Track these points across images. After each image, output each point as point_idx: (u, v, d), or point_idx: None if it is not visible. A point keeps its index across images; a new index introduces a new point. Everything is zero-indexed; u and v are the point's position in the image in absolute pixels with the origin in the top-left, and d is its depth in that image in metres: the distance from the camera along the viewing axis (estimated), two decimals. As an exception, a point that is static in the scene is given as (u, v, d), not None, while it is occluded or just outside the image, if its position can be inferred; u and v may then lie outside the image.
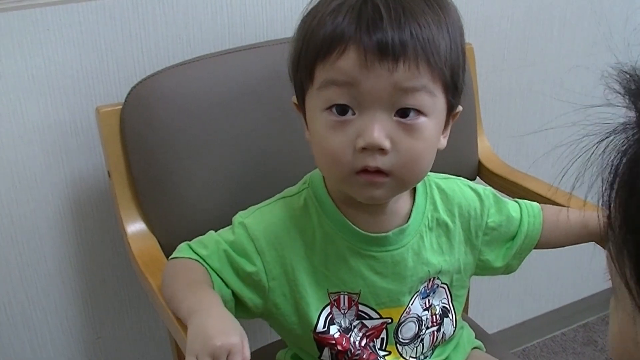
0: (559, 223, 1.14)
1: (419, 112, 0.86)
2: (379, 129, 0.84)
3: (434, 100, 0.87)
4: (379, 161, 0.86)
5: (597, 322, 2.25)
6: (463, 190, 1.07)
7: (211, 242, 0.98)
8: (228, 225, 1.01)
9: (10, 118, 1.18)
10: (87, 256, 1.33)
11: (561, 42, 1.74)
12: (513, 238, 1.11)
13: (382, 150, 0.85)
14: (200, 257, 0.97)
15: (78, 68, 1.20)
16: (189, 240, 1.02)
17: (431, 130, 0.88)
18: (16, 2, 1.12)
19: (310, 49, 0.87)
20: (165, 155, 1.14)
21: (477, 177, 1.44)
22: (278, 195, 1.02)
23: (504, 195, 1.17)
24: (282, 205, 1.00)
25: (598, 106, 0.59)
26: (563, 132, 1.89)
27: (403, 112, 0.86)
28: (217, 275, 0.97)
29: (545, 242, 1.13)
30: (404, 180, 0.91)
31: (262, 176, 1.20)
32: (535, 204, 1.15)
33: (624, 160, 0.54)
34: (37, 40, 1.15)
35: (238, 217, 0.99)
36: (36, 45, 1.16)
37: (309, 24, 0.89)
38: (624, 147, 0.54)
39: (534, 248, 1.13)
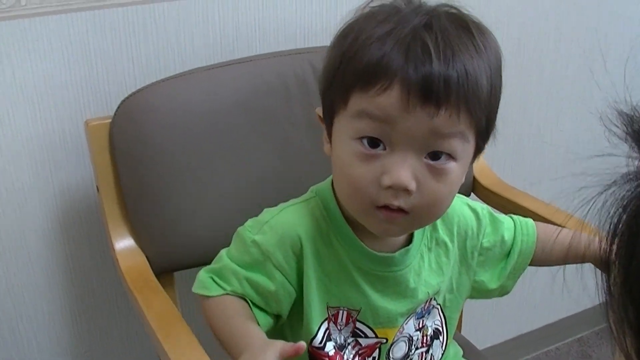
0: (554, 242, 1.12)
1: (450, 156, 0.85)
2: (408, 170, 0.83)
3: (466, 146, 0.86)
4: (402, 201, 0.85)
5: (592, 337, 2.24)
6: (462, 208, 1.06)
7: (230, 275, 0.96)
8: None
9: (-3, 129, 1.17)
10: (75, 268, 1.32)
11: (556, 51, 1.73)
12: (507, 257, 1.10)
13: (407, 191, 0.84)
14: (231, 291, 0.96)
15: (67, 79, 1.19)
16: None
17: (457, 174, 0.87)
18: (4, 11, 1.10)
19: (350, 73, 0.84)
20: (154, 170, 1.13)
21: (472, 194, 1.43)
22: (283, 205, 1.00)
23: (499, 212, 1.15)
24: (291, 212, 0.97)
25: (600, 155, 0.54)
26: (558, 148, 1.88)
27: (434, 154, 0.84)
28: (253, 304, 0.96)
29: (538, 261, 1.12)
30: (421, 220, 0.91)
31: (253, 191, 1.19)
32: (529, 221, 1.14)
33: (623, 218, 0.48)
34: (25, 50, 1.14)
35: (248, 234, 0.96)
36: (24, 55, 1.14)
37: (350, 43, 0.85)
38: (624, 202, 0.49)
39: (528, 265, 1.12)
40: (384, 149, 0.84)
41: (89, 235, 1.30)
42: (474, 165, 1.42)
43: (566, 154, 1.88)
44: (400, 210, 0.86)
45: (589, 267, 1.13)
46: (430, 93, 0.80)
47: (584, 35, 1.75)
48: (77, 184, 1.25)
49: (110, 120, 1.13)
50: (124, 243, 1.16)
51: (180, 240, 1.16)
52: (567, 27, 1.71)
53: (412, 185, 0.83)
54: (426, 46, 0.80)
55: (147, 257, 1.16)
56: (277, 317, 0.98)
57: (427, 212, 0.89)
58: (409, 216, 0.87)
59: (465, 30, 0.84)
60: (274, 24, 1.31)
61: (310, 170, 1.19)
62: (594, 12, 1.74)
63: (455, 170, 0.86)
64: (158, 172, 1.13)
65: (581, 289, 2.06)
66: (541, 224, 1.14)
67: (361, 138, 0.84)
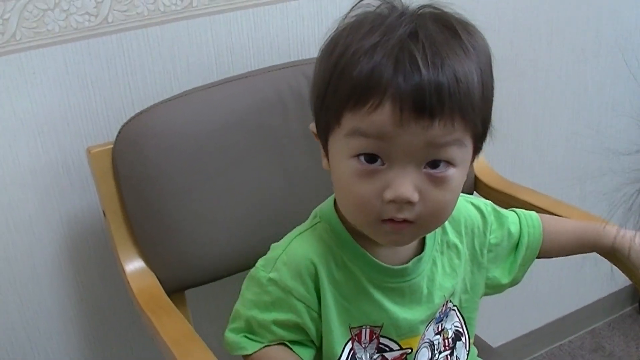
0: (559, 233, 1.13)
1: (449, 163, 0.84)
2: (409, 183, 0.83)
3: (464, 151, 0.86)
4: (406, 213, 0.84)
5: (604, 328, 2.24)
6: (467, 207, 1.07)
7: (259, 328, 0.95)
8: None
9: (0, 162, 1.17)
10: (87, 295, 1.33)
11: (549, 50, 1.74)
12: (515, 250, 1.11)
13: (410, 203, 0.83)
14: (269, 341, 0.96)
15: (66, 108, 1.19)
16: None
17: (458, 180, 0.87)
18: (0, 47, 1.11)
19: (340, 91, 0.83)
20: (159, 191, 1.14)
21: (475, 192, 1.43)
22: (289, 236, 0.99)
23: (502, 207, 1.16)
24: (301, 242, 0.97)
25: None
26: (557, 144, 1.89)
27: (433, 163, 0.84)
28: (292, 343, 0.96)
29: (545, 252, 1.13)
30: (428, 227, 0.91)
31: (258, 208, 1.20)
32: (533, 213, 1.14)
33: None
34: (23, 83, 1.15)
35: (262, 274, 0.95)
36: (23, 88, 1.15)
37: (338, 59, 0.84)
38: None
39: (536, 258, 1.13)
40: (382, 164, 0.83)
41: (99, 260, 1.31)
42: (475, 164, 1.43)
43: (564, 150, 1.89)
44: (405, 221, 0.85)
45: (594, 258, 1.15)
46: (423, 106, 0.79)
47: (576, 34, 1.76)
48: (83, 211, 1.26)
49: (111, 146, 1.14)
50: (134, 265, 1.17)
51: (189, 259, 1.16)
52: (559, 26, 1.72)
53: (415, 197, 0.83)
54: (414, 58, 0.79)
55: (157, 277, 1.17)
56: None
57: (433, 220, 0.88)
58: (415, 225, 0.86)
59: (452, 33, 0.83)
60: (267, 40, 1.32)
61: (310, 184, 1.20)
62: (586, 11, 1.75)
63: (455, 176, 0.86)
64: (162, 194, 1.14)
65: (591, 280, 2.07)
66: (545, 216, 1.15)
67: (358, 155, 0.84)
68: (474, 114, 0.83)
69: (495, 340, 1.54)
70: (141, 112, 1.14)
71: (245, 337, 0.96)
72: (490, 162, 1.46)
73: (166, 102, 1.16)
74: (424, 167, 0.83)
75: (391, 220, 0.85)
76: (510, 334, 2.06)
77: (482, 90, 0.85)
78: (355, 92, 0.81)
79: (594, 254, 1.14)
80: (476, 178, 1.43)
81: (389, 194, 0.83)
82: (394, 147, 0.81)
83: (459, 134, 0.83)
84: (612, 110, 1.93)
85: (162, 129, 1.13)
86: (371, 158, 0.83)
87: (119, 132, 1.14)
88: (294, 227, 1.00)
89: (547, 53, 1.74)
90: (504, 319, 1.98)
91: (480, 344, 1.27)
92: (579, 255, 1.16)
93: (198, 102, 1.17)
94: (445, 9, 0.87)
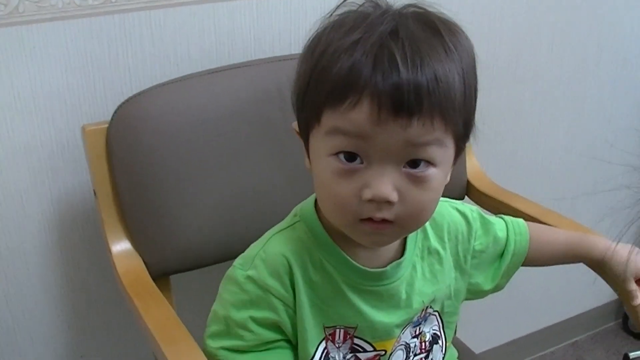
0: (546, 242, 1.14)
1: (429, 163, 0.84)
2: (387, 183, 0.82)
3: (444, 150, 0.84)
4: (385, 212, 0.83)
5: (587, 341, 2.25)
6: (451, 213, 1.06)
7: (236, 328, 0.94)
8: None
9: (-5, 136, 1.17)
10: (73, 275, 1.32)
11: (550, 59, 1.74)
12: (500, 258, 1.11)
13: (388, 203, 0.83)
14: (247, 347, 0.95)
15: (64, 87, 1.19)
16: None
17: (439, 179, 0.86)
18: (2, 18, 1.11)
19: (320, 90, 0.83)
20: (151, 174, 1.13)
21: (466, 197, 1.43)
22: (267, 234, 0.98)
23: (491, 214, 1.16)
24: (278, 240, 0.96)
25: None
26: (553, 153, 1.90)
27: (413, 162, 0.83)
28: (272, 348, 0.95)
29: (532, 260, 1.13)
30: (408, 228, 0.90)
31: (250, 196, 1.20)
32: (520, 220, 1.14)
33: None
34: (22, 58, 1.15)
35: (239, 272, 0.94)
36: (22, 63, 1.15)
37: (319, 57, 0.84)
38: None
39: (521, 266, 1.13)
40: (361, 162, 0.83)
41: (87, 241, 1.31)
42: (468, 169, 1.43)
43: (560, 159, 1.90)
44: (385, 221, 0.85)
45: (584, 268, 1.15)
46: (401, 105, 0.78)
47: (577, 43, 1.77)
48: (75, 191, 1.26)
49: (107, 126, 1.14)
50: (121, 246, 1.17)
51: (176, 245, 1.16)
52: (560, 35, 1.73)
53: (394, 197, 0.82)
54: (393, 56, 0.78)
55: (144, 261, 1.17)
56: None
57: (413, 220, 0.87)
58: (394, 225, 0.85)
59: (434, 31, 0.82)
60: (269, 31, 1.32)
61: (304, 176, 1.20)
62: (587, 21, 1.76)
63: (436, 176, 0.85)
64: (154, 177, 1.13)
65: (577, 293, 2.08)
66: (533, 224, 1.15)
67: (337, 153, 0.83)
68: (454, 114, 0.82)
69: (478, 346, 1.54)
70: (138, 94, 1.14)
71: (226, 350, 0.95)
72: (485, 168, 1.46)
73: (164, 86, 1.16)
74: (404, 167, 0.83)
75: (370, 220, 0.85)
76: (493, 341, 2.06)
77: (464, 90, 0.84)
78: (334, 90, 0.81)
79: (581, 265, 1.15)
80: (468, 183, 1.43)
81: (367, 194, 0.82)
82: (373, 146, 0.81)
83: (439, 134, 0.82)
84: (610, 122, 1.93)
85: (158, 112, 1.13)
86: (350, 157, 0.83)
87: (115, 112, 1.14)
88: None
89: (548, 62, 1.74)
90: (488, 326, 1.99)
91: (463, 350, 1.28)
92: (565, 266, 1.16)
93: (196, 87, 1.17)
94: (430, 9, 0.86)
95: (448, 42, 0.82)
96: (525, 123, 1.79)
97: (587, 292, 2.14)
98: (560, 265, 1.17)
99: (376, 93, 0.78)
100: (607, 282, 1.13)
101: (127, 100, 1.14)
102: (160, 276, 1.18)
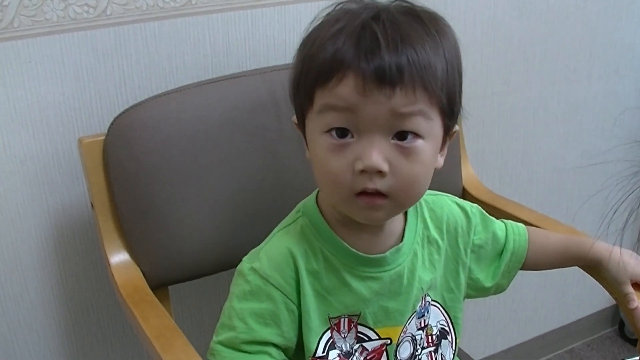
0: (544, 245, 1.16)
1: (416, 135, 0.88)
2: (377, 153, 0.86)
3: (431, 124, 0.89)
4: (377, 183, 0.87)
5: (583, 348, 2.25)
6: (451, 207, 1.09)
7: (234, 319, 0.95)
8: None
9: (-9, 149, 1.17)
10: (70, 287, 1.32)
11: (542, 69, 1.75)
12: (500, 256, 1.13)
13: (380, 173, 0.86)
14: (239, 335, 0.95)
15: (60, 99, 1.20)
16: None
17: (428, 152, 0.90)
18: (-2, 33, 1.12)
19: (310, 74, 0.89)
20: (148, 186, 1.14)
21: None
22: (275, 230, 1.02)
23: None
24: (282, 236, 1.00)
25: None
26: (546, 161, 1.91)
27: (401, 135, 0.87)
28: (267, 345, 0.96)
29: (531, 263, 1.15)
30: (403, 202, 0.93)
31: (247, 206, 1.20)
32: (520, 224, 1.17)
33: None
34: (19, 72, 1.15)
35: (246, 264, 0.98)
36: (18, 77, 1.15)
37: (309, 47, 0.90)
38: None
39: (521, 269, 1.14)
40: (352, 137, 0.87)
41: (85, 253, 1.31)
42: (463, 176, 1.44)
43: (553, 166, 1.90)
44: (379, 194, 0.88)
45: (580, 275, 1.16)
46: (383, 75, 0.83)
47: (569, 53, 1.78)
48: (72, 203, 1.26)
49: (103, 138, 1.14)
50: (119, 257, 1.17)
51: (174, 255, 1.17)
52: (552, 45, 1.74)
53: (384, 167, 0.86)
54: (374, 35, 0.84)
55: (142, 271, 1.17)
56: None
57: (405, 194, 0.91)
58: (388, 200, 0.89)
59: (415, 17, 0.88)
60: (264, 41, 1.33)
61: (301, 185, 1.20)
62: (580, 31, 1.78)
63: (425, 149, 0.89)
64: (151, 188, 1.14)
65: (573, 300, 2.09)
66: (531, 227, 1.17)
67: (329, 130, 0.88)
68: (436, 85, 0.87)
69: (476, 353, 1.54)
70: (135, 105, 1.15)
71: (222, 343, 0.96)
72: (479, 176, 1.47)
73: (160, 97, 1.16)
74: (392, 139, 0.87)
75: (365, 194, 0.88)
76: (491, 349, 2.06)
77: (446, 66, 0.88)
78: (322, 70, 0.87)
79: (577, 272, 1.15)
80: (464, 189, 1.44)
81: (359, 165, 0.86)
82: (361, 119, 0.86)
83: (422, 105, 0.86)
84: (602, 131, 1.94)
85: (154, 123, 1.14)
86: (342, 132, 0.88)
87: (112, 124, 1.14)
88: (283, 229, 1.02)
89: (540, 71, 1.75)
90: (486, 333, 1.99)
91: (461, 356, 1.28)
92: (562, 273, 1.17)
93: (192, 97, 1.17)
94: (414, 3, 0.92)
95: (429, 27, 0.88)
96: (519, 132, 1.80)
97: (583, 299, 2.14)
98: (557, 272, 1.17)
99: (360, 67, 0.84)
100: (604, 285, 1.14)
101: (123, 112, 1.14)
102: (159, 286, 1.18)
